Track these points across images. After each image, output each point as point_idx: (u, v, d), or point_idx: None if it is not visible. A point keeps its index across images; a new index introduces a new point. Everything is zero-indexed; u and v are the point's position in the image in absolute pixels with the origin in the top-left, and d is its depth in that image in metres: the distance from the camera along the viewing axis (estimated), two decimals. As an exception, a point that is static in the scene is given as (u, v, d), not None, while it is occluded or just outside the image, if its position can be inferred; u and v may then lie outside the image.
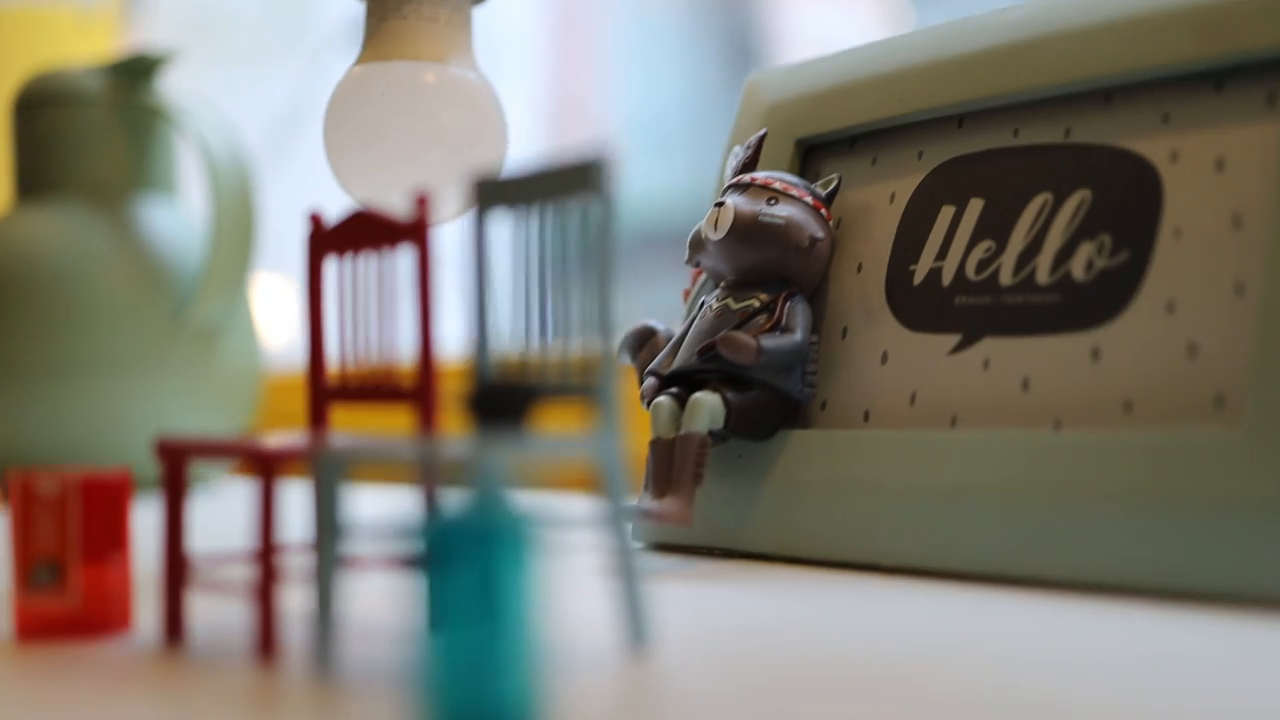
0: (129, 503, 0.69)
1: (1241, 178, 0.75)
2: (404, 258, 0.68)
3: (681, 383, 0.89)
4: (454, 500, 0.51)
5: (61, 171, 1.51)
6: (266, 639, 0.61)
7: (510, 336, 0.64)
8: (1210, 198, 0.76)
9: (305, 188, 2.21)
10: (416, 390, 0.66)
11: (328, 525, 0.59)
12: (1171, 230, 0.77)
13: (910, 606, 0.71)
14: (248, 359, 1.55)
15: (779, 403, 0.89)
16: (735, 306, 0.89)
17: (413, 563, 0.47)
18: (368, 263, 0.70)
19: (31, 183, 1.52)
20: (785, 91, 0.98)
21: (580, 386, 0.60)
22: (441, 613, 0.46)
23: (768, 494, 0.88)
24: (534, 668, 0.46)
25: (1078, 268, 0.80)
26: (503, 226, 0.65)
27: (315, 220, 0.73)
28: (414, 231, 0.67)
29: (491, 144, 0.98)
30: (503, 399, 0.60)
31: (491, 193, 0.65)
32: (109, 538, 0.67)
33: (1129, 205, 0.79)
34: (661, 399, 0.88)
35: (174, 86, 1.54)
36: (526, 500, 0.51)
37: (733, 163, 0.94)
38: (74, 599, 0.67)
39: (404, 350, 0.68)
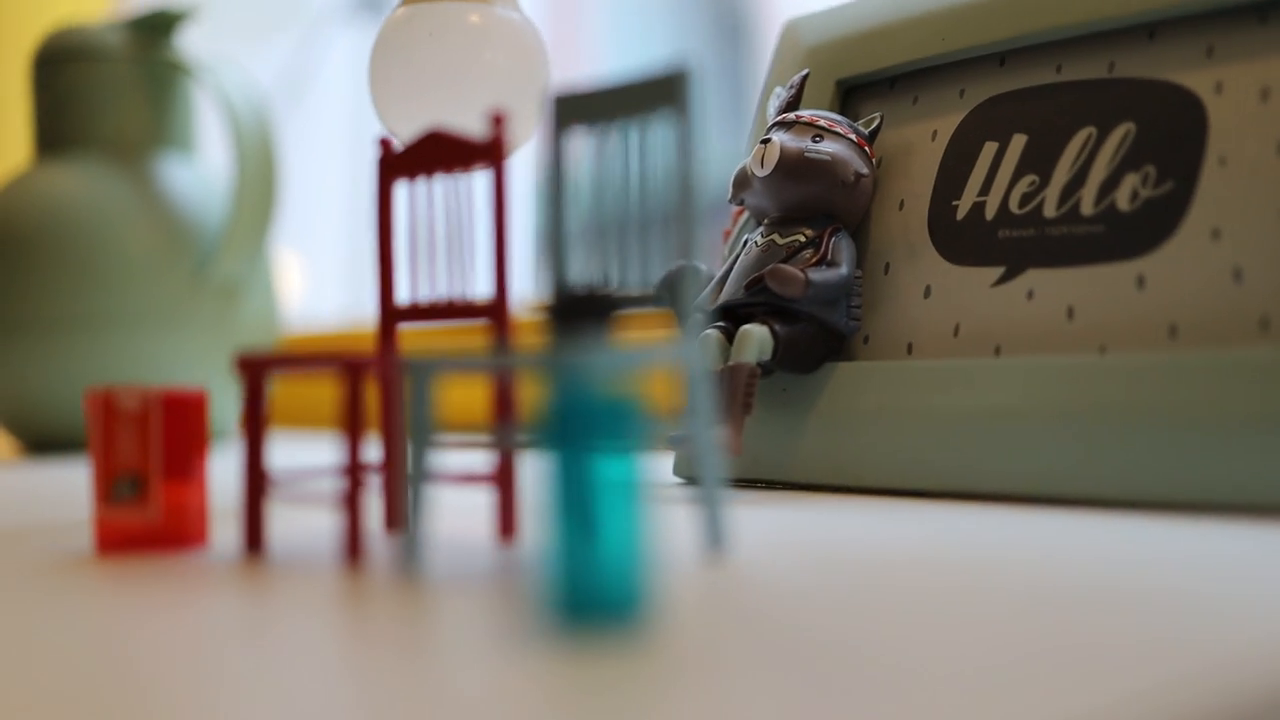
0: (206, 420, 0.70)
1: (1286, 107, 0.77)
2: (478, 179, 0.70)
3: (728, 316, 0.91)
4: (563, 397, 0.53)
5: (82, 128, 1.51)
6: (354, 545, 0.63)
7: (590, 250, 0.66)
8: (1255, 126, 0.78)
9: (305, 158, 2.21)
10: (490, 308, 0.68)
11: (419, 434, 0.60)
12: (1216, 159, 0.79)
13: (961, 524, 0.73)
14: (267, 315, 1.56)
15: (825, 336, 0.90)
16: (781, 242, 0.90)
17: (520, 456, 0.48)
18: (441, 185, 0.71)
19: (52, 138, 1.53)
20: (825, 33, 0.99)
21: (662, 298, 0.62)
22: (558, 499, 0.47)
23: (814, 426, 0.90)
24: (642, 556, 0.47)
25: (1123, 198, 0.82)
26: (581, 142, 0.67)
27: (385, 144, 0.74)
28: (490, 151, 0.68)
29: (535, 84, 0.99)
30: (584, 307, 0.61)
31: (570, 109, 0.66)
32: (188, 453, 0.69)
33: (1174, 136, 0.81)
34: (709, 331, 0.90)
35: (193, 43, 1.55)
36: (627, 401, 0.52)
37: (775, 103, 0.96)
38: (155, 512, 0.68)
39: (477, 272, 0.70)
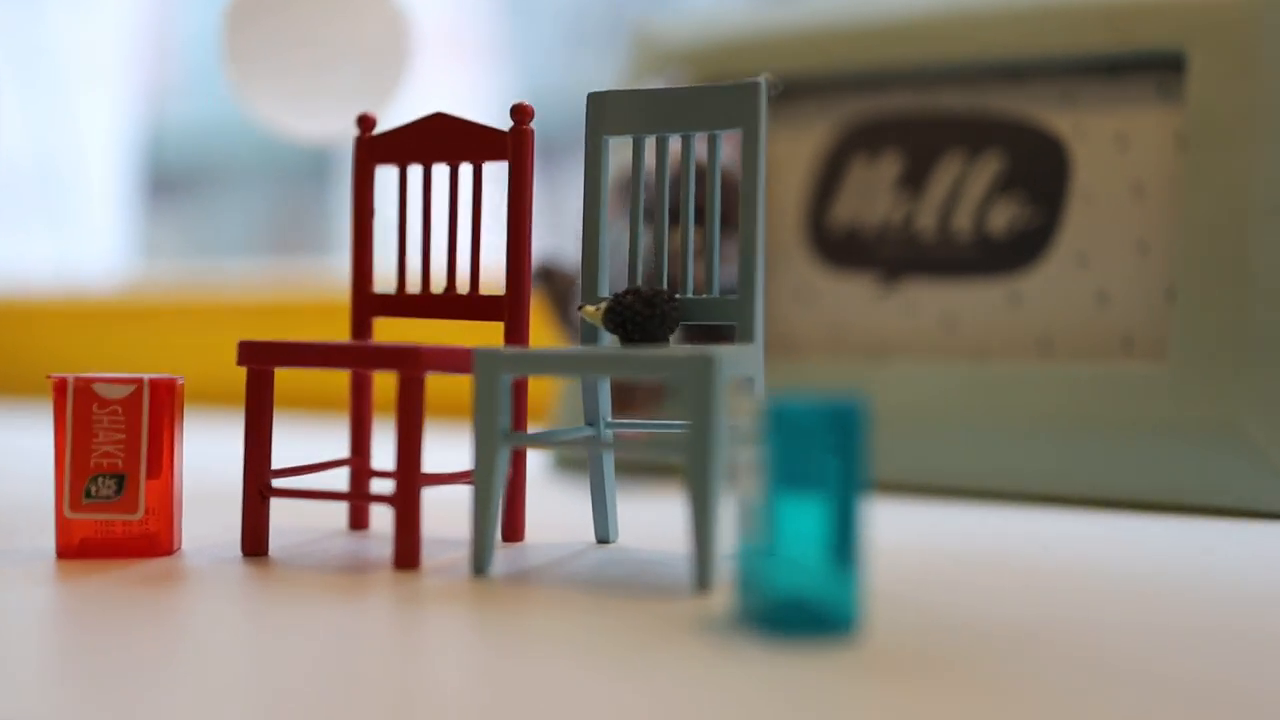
0: (183, 408, 0.64)
1: (1141, 154, 0.88)
2: (482, 169, 0.68)
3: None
4: (777, 396, 0.54)
5: None
6: (408, 548, 0.60)
7: (643, 258, 0.66)
8: (1113, 170, 0.88)
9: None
10: (505, 307, 0.66)
11: (487, 432, 0.59)
12: (1080, 196, 0.89)
13: (1059, 527, 0.79)
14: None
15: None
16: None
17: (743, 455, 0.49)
18: (444, 173, 0.69)
19: None
20: (689, 37, 1.02)
21: (725, 310, 0.63)
22: (775, 501, 0.48)
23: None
24: (858, 558, 0.49)
25: (996, 222, 0.91)
26: (625, 147, 0.66)
27: (366, 122, 0.70)
28: (510, 144, 0.66)
29: (399, 55, 0.96)
30: (652, 314, 0.62)
31: (623, 112, 0.66)
32: (168, 447, 0.63)
33: (1040, 172, 0.90)
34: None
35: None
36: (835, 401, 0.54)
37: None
38: (137, 513, 0.62)
39: (468, 262, 0.68)
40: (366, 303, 0.70)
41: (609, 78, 1.13)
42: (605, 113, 0.66)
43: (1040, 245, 0.90)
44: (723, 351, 0.57)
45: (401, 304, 0.69)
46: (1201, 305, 0.82)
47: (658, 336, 0.62)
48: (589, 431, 0.66)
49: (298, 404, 1.46)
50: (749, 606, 0.49)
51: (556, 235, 1.53)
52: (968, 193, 0.92)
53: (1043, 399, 0.86)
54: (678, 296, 0.64)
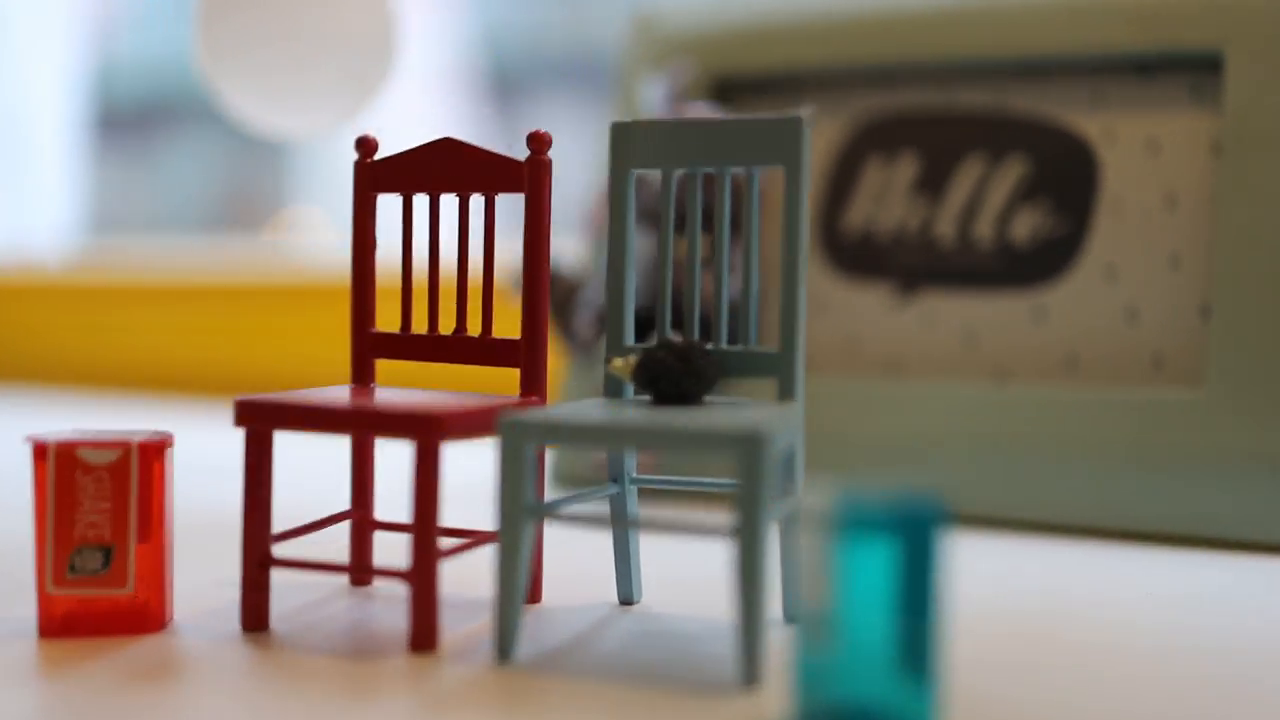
0: (172, 471, 0.59)
1: (1174, 160, 0.84)
2: (494, 201, 0.63)
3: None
4: (841, 485, 0.49)
5: None
6: (425, 629, 0.55)
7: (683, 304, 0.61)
8: (1144, 177, 0.84)
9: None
10: (520, 352, 0.61)
11: (513, 507, 0.54)
12: (1109, 204, 0.85)
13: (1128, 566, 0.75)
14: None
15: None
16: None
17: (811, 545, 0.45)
18: (455, 204, 0.63)
19: None
20: (694, 27, 0.96)
21: (768, 363, 0.59)
22: (850, 599, 0.44)
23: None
24: (936, 658, 0.45)
25: (1020, 231, 0.86)
26: (650, 180, 0.61)
27: (367, 145, 0.65)
28: (530, 174, 0.61)
29: (385, 47, 0.90)
30: (687, 370, 0.57)
31: (651, 143, 0.60)
32: (158, 512, 0.58)
33: (1067, 178, 0.86)
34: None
35: None
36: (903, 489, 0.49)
37: (658, 91, 0.92)
38: (128, 586, 0.57)
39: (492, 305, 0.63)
40: (368, 343, 0.65)
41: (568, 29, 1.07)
42: (632, 144, 0.61)
43: (1066, 257, 0.85)
44: (772, 422, 0.52)
45: (406, 346, 0.64)
46: (1239, 323, 0.78)
47: (693, 396, 0.57)
48: (614, 489, 0.61)
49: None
50: (809, 713, 0.45)
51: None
52: (989, 199, 0.88)
53: (1068, 423, 0.82)
54: (710, 349, 0.59)
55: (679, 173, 0.61)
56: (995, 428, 0.83)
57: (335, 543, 0.70)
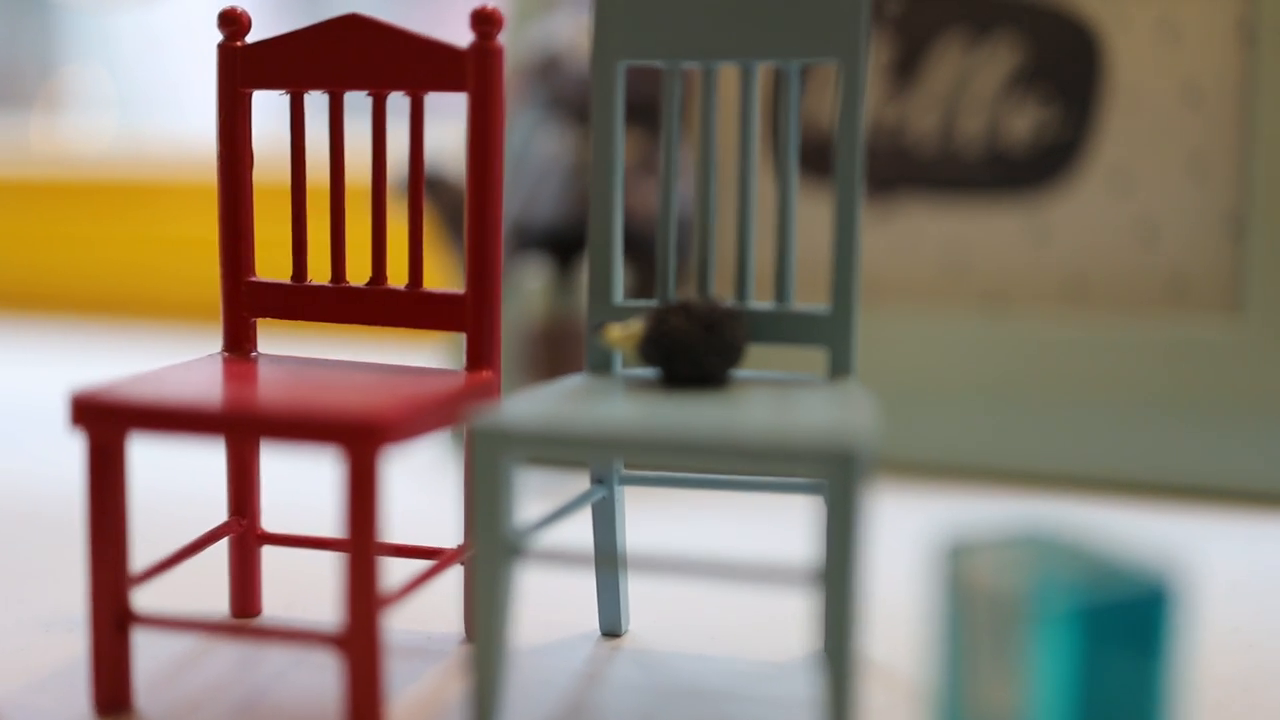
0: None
1: (1196, 49, 0.71)
2: (423, 102, 0.45)
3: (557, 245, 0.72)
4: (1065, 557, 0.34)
5: None
6: (367, 703, 0.39)
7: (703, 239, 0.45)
8: (1158, 67, 0.71)
9: None
10: (465, 310, 0.45)
11: (490, 543, 0.38)
12: (1121, 99, 0.71)
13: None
14: None
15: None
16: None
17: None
18: (364, 104, 0.46)
19: None
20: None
21: (813, 327, 0.44)
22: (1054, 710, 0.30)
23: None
24: None
25: (1014, 132, 0.73)
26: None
27: (236, 20, 0.46)
28: (476, 68, 0.44)
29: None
30: (711, 344, 0.42)
31: (649, 25, 0.44)
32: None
33: (1067, 68, 0.72)
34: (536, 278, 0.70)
35: None
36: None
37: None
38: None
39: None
40: (244, 297, 0.47)
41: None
42: (620, 26, 0.44)
43: (1068, 162, 0.72)
44: (857, 423, 0.37)
45: (301, 302, 0.47)
46: (1276, 239, 0.67)
47: (717, 376, 0.42)
48: (601, 493, 0.46)
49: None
50: None
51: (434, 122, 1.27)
52: (975, 89, 0.74)
53: (1073, 359, 0.69)
54: (735, 310, 0.43)
55: (684, 67, 0.44)
56: (988, 367, 0.70)
57: (215, 563, 0.53)
